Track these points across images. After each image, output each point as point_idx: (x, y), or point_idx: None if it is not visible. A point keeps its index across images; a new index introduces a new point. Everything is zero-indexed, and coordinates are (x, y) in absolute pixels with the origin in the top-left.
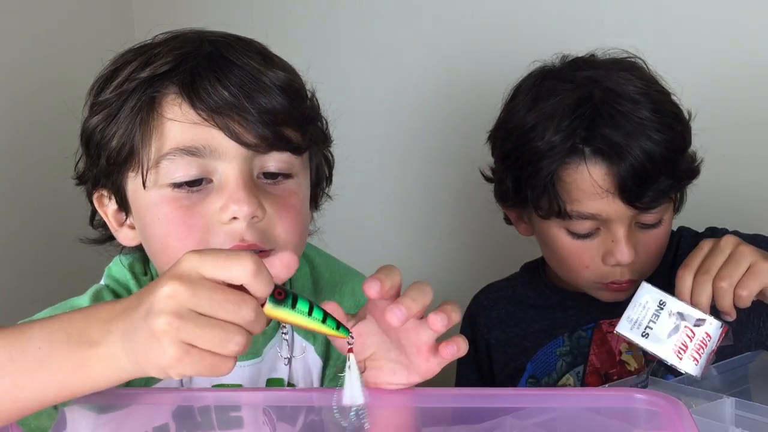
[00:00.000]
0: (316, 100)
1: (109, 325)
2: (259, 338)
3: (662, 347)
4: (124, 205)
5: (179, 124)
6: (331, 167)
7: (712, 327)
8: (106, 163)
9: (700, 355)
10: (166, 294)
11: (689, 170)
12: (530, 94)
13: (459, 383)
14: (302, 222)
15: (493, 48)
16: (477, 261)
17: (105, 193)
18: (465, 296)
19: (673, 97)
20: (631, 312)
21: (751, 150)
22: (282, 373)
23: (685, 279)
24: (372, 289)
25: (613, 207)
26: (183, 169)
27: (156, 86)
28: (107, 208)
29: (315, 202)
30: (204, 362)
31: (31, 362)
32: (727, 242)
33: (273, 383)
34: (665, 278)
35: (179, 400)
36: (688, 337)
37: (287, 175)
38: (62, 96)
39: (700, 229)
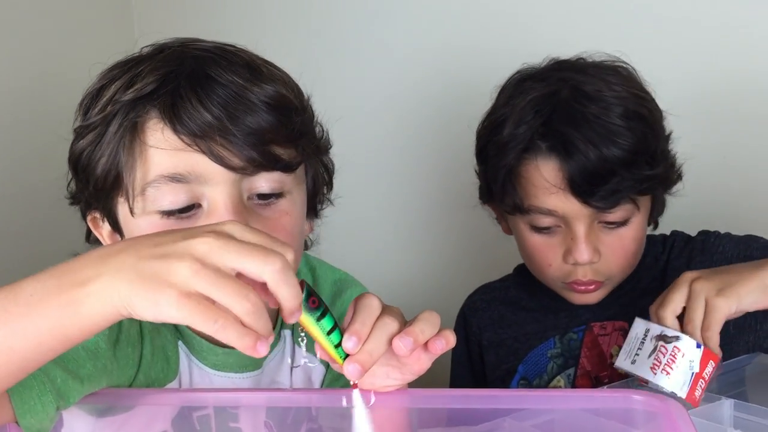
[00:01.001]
0: (311, 109)
1: (104, 260)
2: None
3: (642, 367)
4: (117, 228)
5: (162, 151)
6: (330, 174)
7: (685, 342)
8: (93, 189)
9: (671, 368)
10: (199, 242)
11: (653, 175)
12: (508, 93)
13: (453, 384)
14: (294, 242)
15: (487, 49)
16: (471, 263)
17: (98, 215)
18: (459, 298)
19: (653, 102)
20: (626, 345)
21: (744, 153)
22: (283, 385)
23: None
24: (407, 347)
25: (568, 204)
26: (170, 197)
27: (138, 110)
28: (102, 230)
29: (314, 211)
30: (201, 310)
31: (24, 308)
32: (684, 278)
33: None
34: (657, 282)
35: (180, 400)
36: (662, 353)
37: (279, 194)
38: (62, 105)
39: (694, 233)
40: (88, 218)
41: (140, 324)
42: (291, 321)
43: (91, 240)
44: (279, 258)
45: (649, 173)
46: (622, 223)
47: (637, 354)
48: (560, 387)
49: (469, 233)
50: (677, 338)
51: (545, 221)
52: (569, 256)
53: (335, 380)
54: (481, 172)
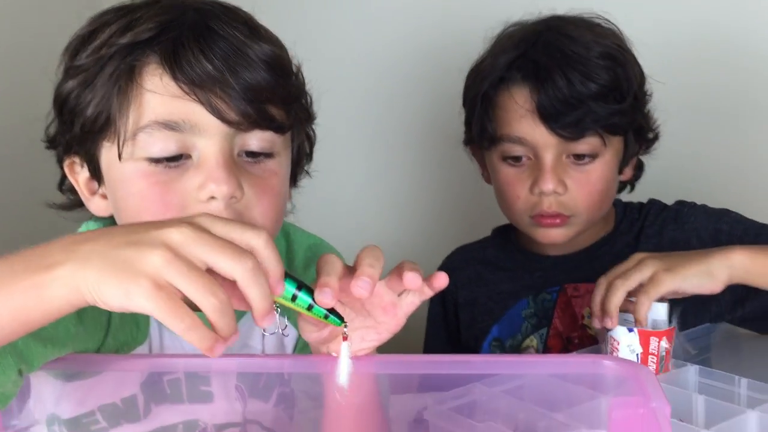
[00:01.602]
0: (302, 76)
1: (74, 247)
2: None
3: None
4: (96, 175)
5: (159, 96)
6: (312, 144)
7: (617, 332)
8: (80, 131)
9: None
10: (173, 232)
11: (620, 112)
12: (494, 40)
13: (427, 342)
14: (280, 204)
15: (475, 19)
16: (456, 234)
17: (77, 160)
18: (438, 262)
19: (632, 56)
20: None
21: (721, 129)
22: (255, 349)
23: (598, 289)
24: (366, 289)
25: (537, 132)
26: (161, 144)
27: (136, 54)
28: (78, 176)
29: (294, 180)
30: (170, 305)
31: None
32: (635, 256)
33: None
34: (631, 248)
35: (150, 366)
36: (608, 343)
37: (269, 155)
38: (35, 54)
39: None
40: (66, 163)
41: None
42: (263, 325)
43: (64, 189)
44: (251, 259)
45: (616, 109)
46: (590, 160)
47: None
48: (532, 346)
49: (455, 208)
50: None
51: (516, 149)
52: (535, 187)
53: (308, 345)
54: (465, 109)
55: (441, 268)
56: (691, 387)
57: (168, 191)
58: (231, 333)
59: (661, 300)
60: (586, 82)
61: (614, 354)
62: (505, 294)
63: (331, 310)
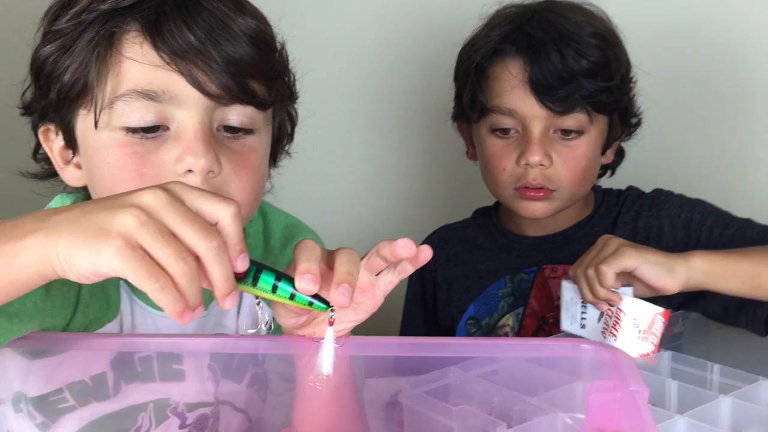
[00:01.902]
0: (286, 53)
1: (46, 216)
2: (206, 291)
3: (594, 333)
4: (71, 143)
5: (138, 64)
6: (294, 124)
7: (623, 303)
8: (56, 97)
9: (617, 330)
10: (147, 194)
11: (609, 89)
12: (487, 18)
13: (405, 320)
14: (259, 181)
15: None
16: (438, 217)
17: (52, 127)
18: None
19: (620, 40)
20: (564, 311)
21: (703, 119)
22: (229, 329)
23: (580, 282)
24: (347, 297)
25: (527, 104)
26: (138, 113)
27: (117, 21)
28: (53, 144)
29: (274, 159)
30: (143, 265)
31: None
32: (603, 237)
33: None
34: (607, 232)
35: (120, 346)
36: (608, 316)
37: (248, 131)
38: (11, 19)
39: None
40: (40, 130)
41: None
42: (225, 307)
43: (39, 157)
44: (216, 238)
45: (604, 86)
46: (576, 136)
47: (583, 318)
48: (508, 325)
49: (432, 184)
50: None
51: (505, 121)
52: (522, 158)
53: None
54: (456, 83)
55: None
56: (665, 372)
57: (144, 162)
58: (198, 303)
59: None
60: (579, 58)
61: (616, 328)
62: (483, 273)
63: (315, 296)
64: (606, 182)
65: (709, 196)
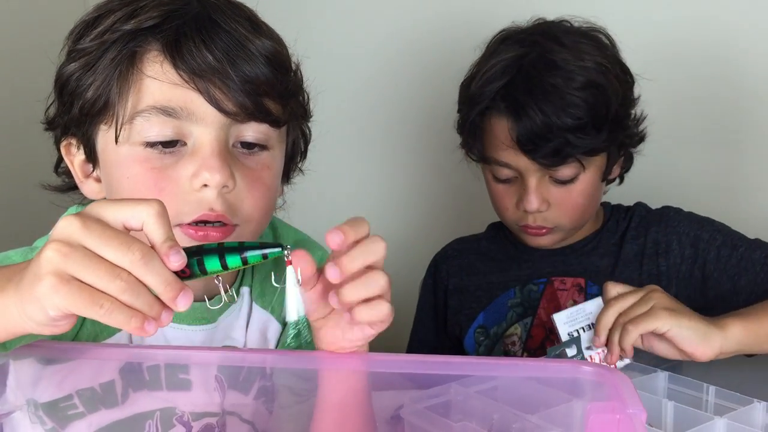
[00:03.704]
0: (300, 74)
1: (12, 275)
2: (215, 304)
3: (574, 353)
4: (92, 157)
5: (159, 82)
6: (307, 142)
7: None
8: (78, 113)
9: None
10: (61, 226)
11: (598, 141)
12: (488, 50)
13: (415, 328)
14: (271, 198)
15: (472, 19)
16: (451, 232)
17: (74, 142)
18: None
19: (620, 71)
20: (573, 311)
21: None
22: (237, 341)
23: (607, 313)
24: (334, 241)
25: (519, 159)
26: (157, 128)
27: (139, 40)
28: (74, 158)
29: (287, 176)
30: (82, 295)
31: None
32: (648, 286)
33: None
34: (616, 247)
35: (128, 356)
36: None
37: (263, 147)
38: (38, 37)
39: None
40: (62, 144)
41: None
42: (179, 308)
43: (60, 171)
44: (137, 249)
45: (594, 139)
46: (570, 180)
47: (578, 332)
48: (516, 335)
49: (445, 198)
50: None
51: (503, 172)
52: (520, 204)
53: (292, 338)
54: (458, 122)
55: (436, 257)
56: (661, 393)
57: (162, 177)
58: (157, 311)
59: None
60: (562, 116)
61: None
62: (493, 284)
63: (264, 248)
64: (614, 196)
65: (718, 209)
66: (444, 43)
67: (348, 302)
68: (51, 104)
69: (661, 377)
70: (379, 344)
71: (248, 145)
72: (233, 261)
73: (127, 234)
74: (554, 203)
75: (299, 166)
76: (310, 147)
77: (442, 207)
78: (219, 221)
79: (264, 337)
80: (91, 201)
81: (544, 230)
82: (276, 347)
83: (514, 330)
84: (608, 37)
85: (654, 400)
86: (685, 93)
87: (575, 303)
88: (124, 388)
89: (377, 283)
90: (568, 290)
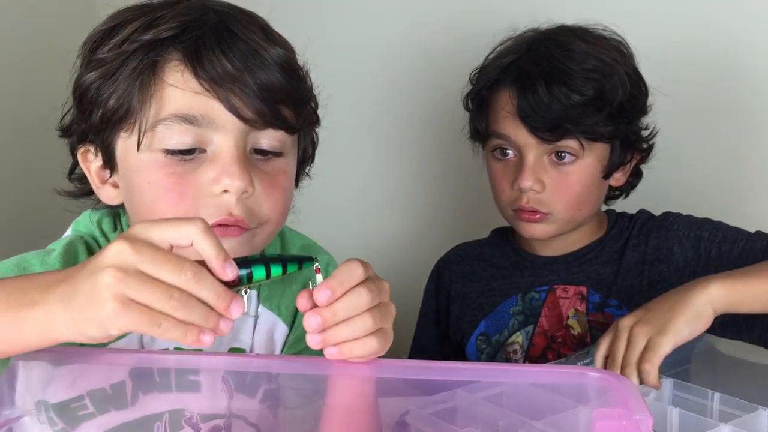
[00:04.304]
0: (310, 81)
1: (50, 288)
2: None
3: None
4: (110, 164)
5: (180, 91)
6: (315, 147)
7: None
8: (99, 121)
9: None
10: (113, 252)
11: (599, 123)
12: (498, 44)
13: (417, 334)
14: (287, 201)
15: (476, 22)
16: (454, 236)
17: (91, 149)
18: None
19: (629, 70)
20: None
21: (710, 139)
22: (244, 343)
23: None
24: (322, 298)
25: (521, 133)
26: (178, 136)
27: (159, 50)
28: (91, 164)
29: (296, 180)
30: (142, 317)
31: None
32: (623, 325)
33: (234, 352)
34: (618, 255)
35: (137, 361)
36: None
37: (278, 154)
38: (46, 45)
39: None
40: (79, 151)
41: None
42: (232, 316)
43: (73, 177)
44: (188, 269)
45: (595, 120)
46: (570, 160)
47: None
48: (518, 342)
49: (448, 201)
50: None
51: (503, 143)
52: (515, 182)
53: (298, 341)
54: (469, 104)
55: (439, 263)
56: (666, 400)
57: (183, 182)
58: (213, 323)
59: None
60: (566, 91)
61: None
62: (496, 291)
63: (298, 260)
64: (620, 205)
65: (725, 213)
66: (448, 46)
67: (330, 344)
68: (67, 112)
69: (666, 384)
70: None
71: (264, 152)
72: (276, 270)
73: (176, 255)
74: (549, 186)
75: (307, 171)
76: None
77: (446, 211)
78: (237, 225)
79: (271, 339)
80: (105, 206)
81: (537, 215)
82: (283, 349)
83: (515, 338)
84: (627, 47)
85: (659, 407)
86: (690, 99)
87: (577, 312)
88: (134, 389)
89: (364, 324)
90: (569, 298)
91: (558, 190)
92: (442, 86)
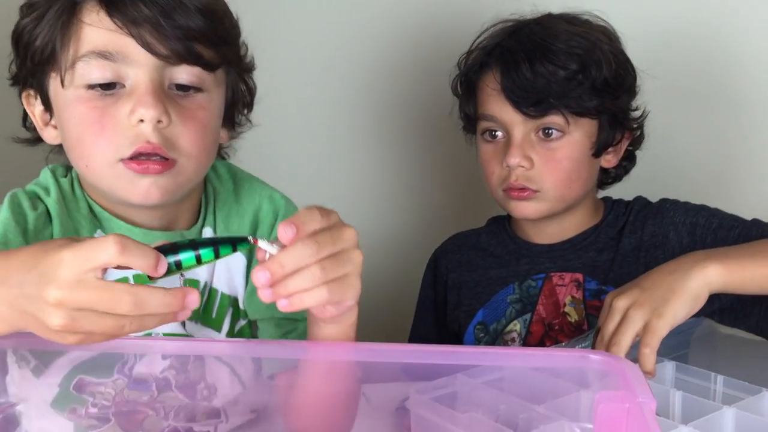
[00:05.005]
0: (238, 27)
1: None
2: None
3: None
4: (47, 105)
5: (96, 29)
6: (252, 94)
7: None
8: (31, 63)
9: None
10: (54, 303)
11: (582, 97)
12: (484, 31)
13: (415, 324)
14: (207, 135)
15: (465, 13)
16: (449, 227)
17: (32, 92)
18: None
19: (614, 50)
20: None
21: (705, 125)
22: (200, 275)
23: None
24: (287, 235)
25: (507, 111)
26: (98, 72)
27: None
28: (34, 108)
29: (231, 122)
30: (101, 337)
31: None
32: (618, 306)
33: (188, 284)
34: (614, 241)
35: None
36: None
37: (198, 89)
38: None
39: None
40: (23, 96)
41: (47, 210)
42: (190, 307)
43: (27, 125)
44: (124, 302)
45: (579, 92)
46: (558, 136)
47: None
48: (516, 331)
49: (442, 194)
50: None
51: (491, 125)
52: (503, 160)
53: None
54: (458, 89)
55: (436, 252)
56: (668, 383)
57: (104, 115)
58: (170, 319)
59: None
60: (547, 64)
61: None
62: (493, 280)
63: (233, 241)
64: (618, 194)
65: (718, 199)
66: (443, 39)
67: (281, 297)
68: (12, 61)
69: (669, 367)
70: (380, 338)
71: (183, 88)
72: (207, 255)
73: (110, 287)
74: (538, 162)
75: (247, 116)
76: (309, 145)
77: (443, 200)
78: (157, 154)
79: (230, 272)
80: (51, 147)
81: (526, 192)
82: (246, 279)
83: (513, 326)
84: (614, 31)
85: (662, 389)
86: (684, 85)
87: (573, 299)
88: None
89: (312, 275)
90: (566, 285)
91: (546, 165)
92: (436, 77)
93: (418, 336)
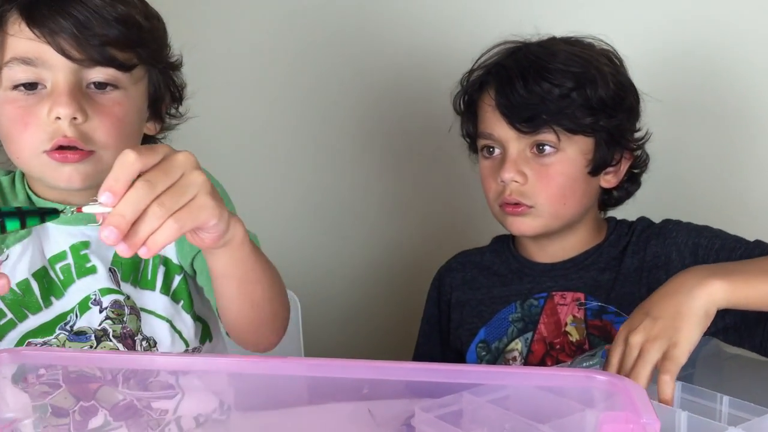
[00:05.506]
0: (163, 29)
1: None
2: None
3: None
4: None
5: (18, 38)
6: (180, 89)
7: None
8: None
9: None
10: None
11: (577, 115)
12: (486, 53)
13: (419, 341)
14: (123, 128)
15: (460, 30)
16: (454, 238)
17: None
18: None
19: (614, 71)
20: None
21: (710, 145)
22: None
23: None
24: (108, 202)
25: (501, 128)
26: (20, 75)
27: (5, 8)
28: None
29: (159, 115)
30: None
31: None
32: (634, 342)
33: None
34: (616, 261)
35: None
36: None
37: (115, 87)
38: None
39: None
40: None
41: None
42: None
43: None
44: None
45: (572, 109)
46: (551, 152)
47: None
48: (517, 350)
49: (446, 206)
50: None
51: (489, 142)
52: (499, 176)
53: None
54: (461, 107)
55: (441, 270)
56: (675, 403)
57: (27, 114)
58: None
59: None
60: (541, 81)
61: None
62: (495, 298)
63: (42, 213)
64: (621, 212)
65: (720, 216)
66: (451, 54)
67: (137, 247)
68: None
69: (675, 387)
70: (385, 355)
71: (100, 85)
72: (12, 224)
73: None
74: (531, 178)
75: (178, 112)
76: (310, 148)
77: (450, 217)
78: (73, 146)
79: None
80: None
81: (520, 207)
82: None
83: (514, 345)
84: (617, 54)
85: (667, 410)
86: (689, 106)
87: (575, 318)
88: (44, 293)
89: (154, 214)
90: (567, 305)
91: (539, 181)
92: (443, 93)
93: (422, 354)
